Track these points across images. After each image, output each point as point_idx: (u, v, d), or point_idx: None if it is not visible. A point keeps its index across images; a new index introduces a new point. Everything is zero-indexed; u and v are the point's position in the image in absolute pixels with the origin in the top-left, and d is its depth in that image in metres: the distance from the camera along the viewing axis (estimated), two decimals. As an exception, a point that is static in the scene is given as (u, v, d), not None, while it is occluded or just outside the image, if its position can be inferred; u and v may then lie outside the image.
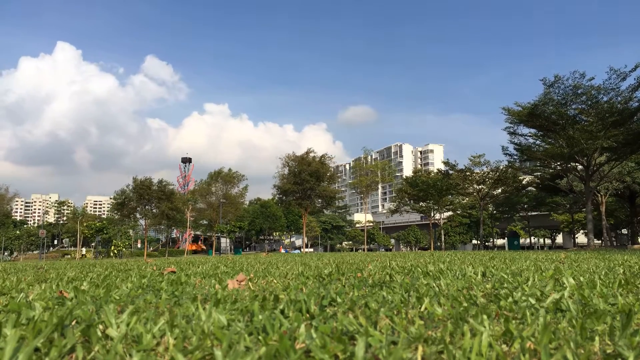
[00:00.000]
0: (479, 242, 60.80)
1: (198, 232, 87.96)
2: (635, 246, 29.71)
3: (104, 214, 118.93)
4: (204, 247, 79.22)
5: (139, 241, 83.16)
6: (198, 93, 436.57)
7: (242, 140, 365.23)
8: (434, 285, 2.91)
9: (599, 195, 42.34)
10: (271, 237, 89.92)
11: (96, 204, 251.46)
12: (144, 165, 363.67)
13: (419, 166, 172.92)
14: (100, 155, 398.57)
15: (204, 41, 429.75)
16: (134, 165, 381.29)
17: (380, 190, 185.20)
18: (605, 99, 31.47)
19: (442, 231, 72.89)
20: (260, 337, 1.46)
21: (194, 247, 76.33)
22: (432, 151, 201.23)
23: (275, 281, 3.68)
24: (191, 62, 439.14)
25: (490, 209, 64.37)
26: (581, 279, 3.29)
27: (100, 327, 1.65)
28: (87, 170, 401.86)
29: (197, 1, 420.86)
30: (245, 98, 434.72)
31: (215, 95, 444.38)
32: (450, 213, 72.40)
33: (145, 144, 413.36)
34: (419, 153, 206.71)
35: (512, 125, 37.40)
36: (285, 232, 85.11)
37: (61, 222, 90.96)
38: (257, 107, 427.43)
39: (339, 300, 2.26)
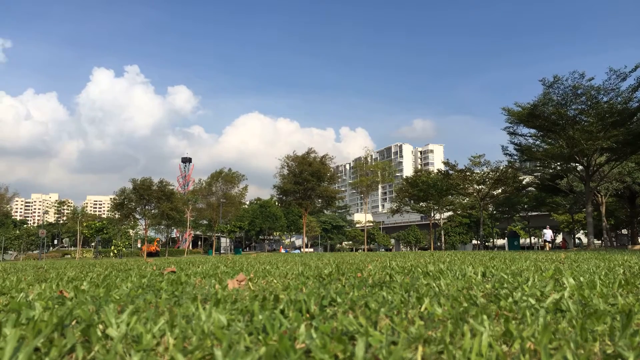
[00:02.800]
0: (479, 242, 60.83)
1: (198, 232, 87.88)
2: (636, 246, 29.71)
3: (104, 214, 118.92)
4: (159, 249, 68.72)
5: (139, 241, 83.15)
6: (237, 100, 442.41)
7: (288, 143, 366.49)
8: (434, 285, 2.91)
9: (599, 195, 42.32)
10: (271, 237, 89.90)
11: (96, 204, 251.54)
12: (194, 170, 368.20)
13: (419, 166, 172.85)
14: (153, 160, 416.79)
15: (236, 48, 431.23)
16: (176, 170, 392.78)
17: (380, 191, 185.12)
18: (605, 99, 31.43)
19: (442, 231, 72.94)
20: (260, 337, 1.46)
21: (151, 249, 62.76)
22: (432, 151, 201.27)
23: (275, 281, 3.68)
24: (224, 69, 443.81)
25: (490, 209, 64.37)
26: (581, 279, 3.29)
27: (100, 326, 1.65)
28: (139, 174, 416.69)
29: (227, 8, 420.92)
30: (284, 102, 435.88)
31: (256, 102, 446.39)
32: (450, 213, 72.44)
33: (192, 151, 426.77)
34: (419, 153, 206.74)
35: (512, 126, 37.40)
36: (285, 232, 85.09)
37: (61, 222, 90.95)
38: (300, 112, 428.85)
39: (339, 300, 2.26)
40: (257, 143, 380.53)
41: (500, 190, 52.95)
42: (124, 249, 59.64)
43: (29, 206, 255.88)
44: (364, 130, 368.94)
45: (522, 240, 68.70)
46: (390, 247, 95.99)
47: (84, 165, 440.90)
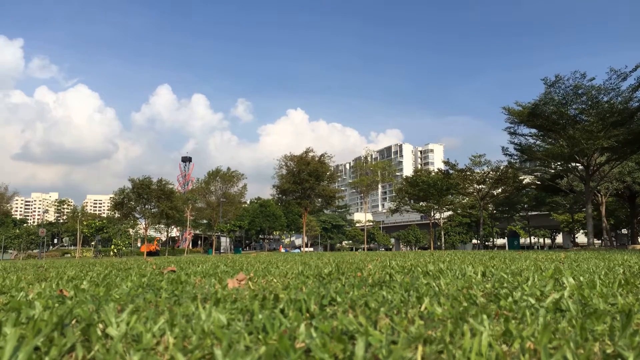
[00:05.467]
0: (479, 241, 60.83)
1: (198, 232, 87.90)
2: (636, 246, 29.71)
3: (104, 213, 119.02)
4: (159, 248, 69.40)
5: (139, 240, 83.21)
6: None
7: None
8: (434, 284, 2.91)
9: (599, 195, 42.32)
10: (271, 237, 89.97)
11: (96, 203, 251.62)
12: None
13: (419, 166, 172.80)
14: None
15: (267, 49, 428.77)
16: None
17: (380, 190, 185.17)
18: (605, 99, 31.45)
19: (442, 231, 72.99)
20: (260, 337, 1.46)
21: (151, 248, 62.85)
22: (432, 151, 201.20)
23: (275, 280, 3.68)
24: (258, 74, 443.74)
25: (490, 208, 64.38)
26: (581, 278, 3.29)
27: (100, 326, 1.65)
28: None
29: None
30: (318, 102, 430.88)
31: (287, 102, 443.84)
32: (450, 213, 72.48)
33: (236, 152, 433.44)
34: (419, 153, 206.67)
35: (512, 126, 37.43)
36: (285, 232, 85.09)
37: (61, 221, 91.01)
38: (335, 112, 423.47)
39: (338, 299, 2.26)
40: (298, 144, 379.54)
41: (500, 190, 52.97)
42: (123, 248, 59.61)
43: (28, 205, 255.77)
44: (399, 131, 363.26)
45: (522, 240, 68.60)
46: (390, 247, 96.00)
47: (127, 170, 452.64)
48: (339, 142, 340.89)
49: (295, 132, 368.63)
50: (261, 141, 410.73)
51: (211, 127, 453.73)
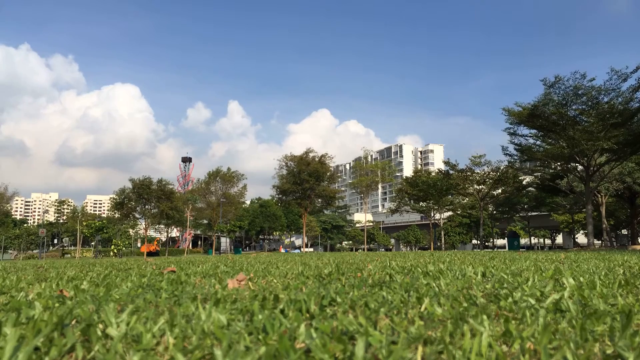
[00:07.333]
0: (479, 242, 60.82)
1: (198, 232, 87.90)
2: (636, 247, 29.70)
3: (104, 213, 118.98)
4: (159, 248, 69.81)
5: (139, 240, 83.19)
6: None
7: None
8: (434, 285, 2.91)
9: (599, 195, 42.32)
10: (271, 237, 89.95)
11: (96, 203, 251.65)
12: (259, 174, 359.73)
13: (419, 166, 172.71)
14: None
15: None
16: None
17: (380, 190, 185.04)
18: (605, 99, 31.40)
19: (442, 231, 72.95)
20: (260, 337, 1.46)
21: (151, 249, 63.08)
22: (432, 151, 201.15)
23: (275, 281, 3.68)
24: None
25: (490, 209, 64.37)
26: (581, 279, 3.29)
27: (100, 326, 1.65)
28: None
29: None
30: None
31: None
32: (450, 213, 72.46)
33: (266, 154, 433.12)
34: (419, 153, 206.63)
35: (512, 126, 37.41)
36: (285, 232, 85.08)
37: (61, 221, 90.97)
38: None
39: (338, 300, 2.26)
40: (328, 147, 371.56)
41: (500, 190, 52.95)
42: (123, 248, 59.60)
43: (29, 205, 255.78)
44: (419, 137, 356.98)
45: (522, 241, 68.65)
46: (390, 247, 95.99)
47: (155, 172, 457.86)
48: (357, 143, 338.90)
49: (325, 134, 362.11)
50: (289, 145, 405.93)
51: (242, 131, 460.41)
